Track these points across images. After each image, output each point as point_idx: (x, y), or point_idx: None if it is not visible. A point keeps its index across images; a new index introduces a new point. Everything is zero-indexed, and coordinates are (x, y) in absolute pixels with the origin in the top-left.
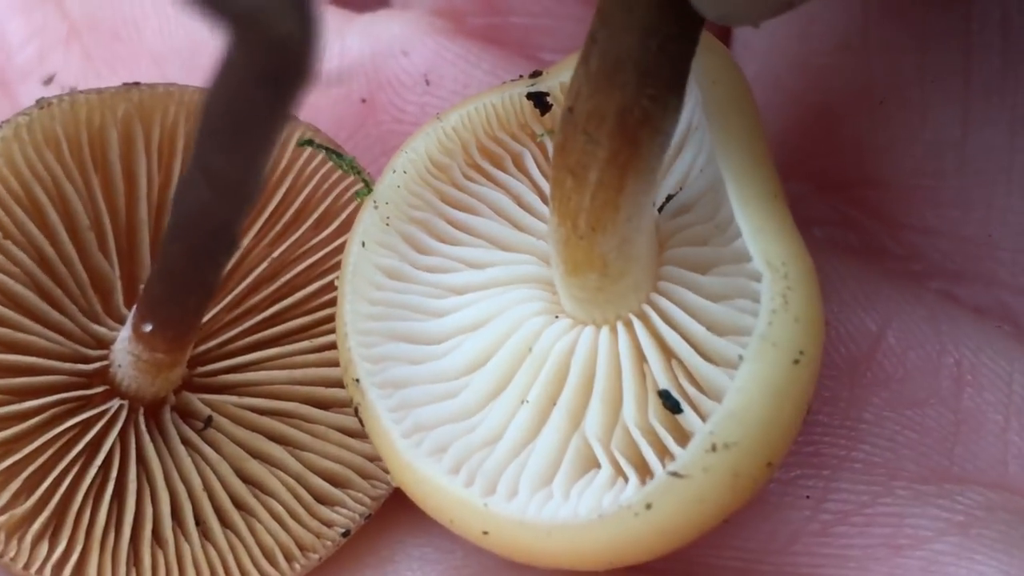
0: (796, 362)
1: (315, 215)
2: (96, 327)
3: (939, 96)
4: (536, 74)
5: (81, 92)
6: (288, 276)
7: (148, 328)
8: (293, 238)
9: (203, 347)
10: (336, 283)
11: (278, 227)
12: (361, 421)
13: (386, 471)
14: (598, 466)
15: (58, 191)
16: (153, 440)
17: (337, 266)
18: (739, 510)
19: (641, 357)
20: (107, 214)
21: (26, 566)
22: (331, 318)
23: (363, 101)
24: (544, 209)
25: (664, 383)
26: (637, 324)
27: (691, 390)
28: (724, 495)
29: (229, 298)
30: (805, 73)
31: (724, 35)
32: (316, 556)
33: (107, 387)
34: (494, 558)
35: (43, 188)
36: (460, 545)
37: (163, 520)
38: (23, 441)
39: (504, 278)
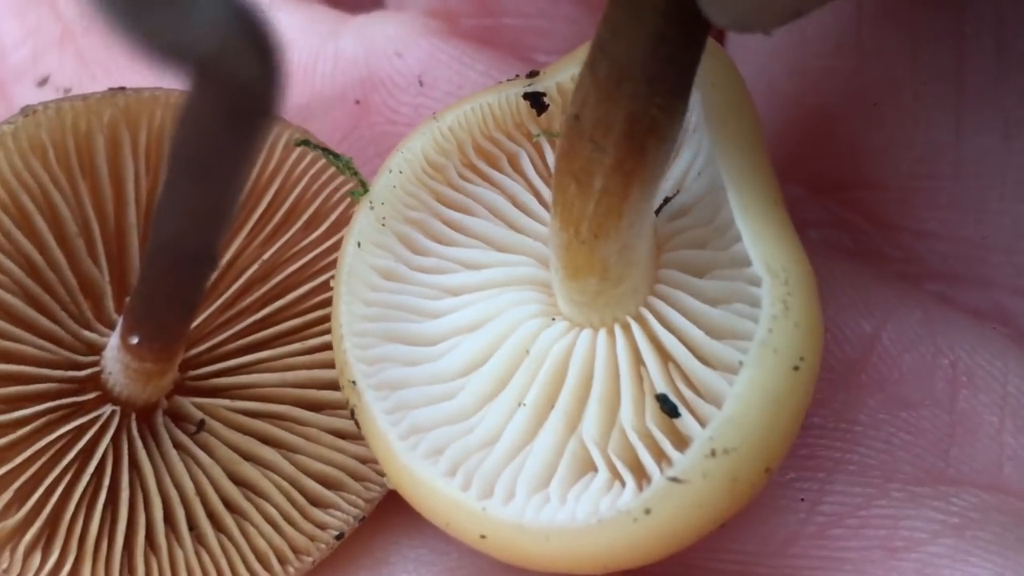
0: (796, 368)
1: (305, 215)
2: (87, 333)
3: (933, 99)
4: (533, 74)
5: (66, 99)
6: (280, 277)
7: (135, 341)
8: (284, 239)
9: (195, 350)
10: (331, 284)
11: (269, 228)
12: (357, 423)
13: (379, 473)
14: (594, 469)
15: (45, 198)
16: (146, 445)
17: (329, 267)
18: (736, 514)
19: (638, 360)
20: (95, 219)
21: None
22: (323, 320)
23: (357, 102)
24: (540, 210)
25: (661, 387)
26: (635, 327)
27: (688, 394)
28: (722, 500)
29: (221, 300)
30: (800, 76)
31: (718, 37)
32: (310, 559)
33: (99, 393)
34: (489, 559)
35: (30, 196)
36: (455, 546)
37: (156, 526)
38: (15, 450)
39: (500, 279)
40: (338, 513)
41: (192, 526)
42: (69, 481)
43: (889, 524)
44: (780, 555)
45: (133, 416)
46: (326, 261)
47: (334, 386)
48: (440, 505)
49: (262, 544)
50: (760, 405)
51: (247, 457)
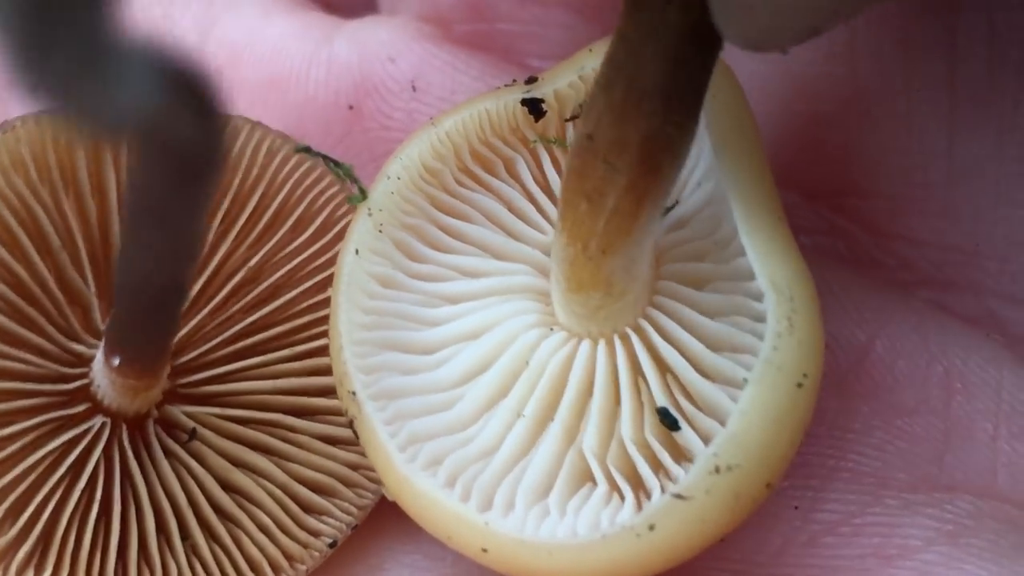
0: (799, 385)
1: (291, 219)
2: (75, 345)
3: (926, 106)
4: (532, 80)
5: (45, 111)
6: (268, 282)
7: (116, 362)
8: (271, 243)
9: (185, 357)
10: (329, 291)
11: (255, 233)
12: (356, 434)
13: (372, 480)
14: (592, 481)
15: (28, 213)
16: (137, 456)
17: (317, 271)
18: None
19: (637, 372)
20: (79, 231)
21: None
22: (312, 324)
23: (350, 108)
24: (537, 217)
25: (660, 399)
26: (633, 338)
27: (687, 406)
28: (724, 515)
29: (210, 306)
30: (792, 82)
31: None
32: (303, 567)
33: (89, 404)
34: (484, 567)
35: (12, 211)
36: (450, 552)
37: (149, 537)
38: (5, 466)
39: (498, 288)
40: (331, 520)
41: (185, 536)
42: (61, 495)
43: (883, 532)
44: (773, 563)
45: (124, 427)
46: (314, 265)
47: (324, 392)
48: (441, 518)
49: (255, 553)
50: (764, 422)
51: (239, 465)
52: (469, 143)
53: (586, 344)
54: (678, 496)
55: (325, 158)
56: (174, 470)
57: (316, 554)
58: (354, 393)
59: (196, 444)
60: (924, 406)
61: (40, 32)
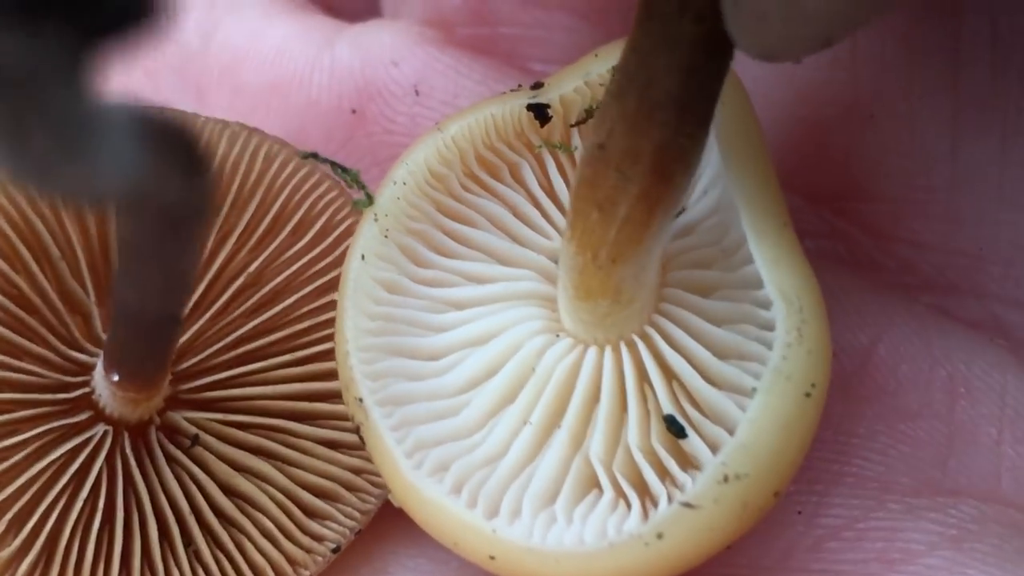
0: (808, 395)
1: (290, 224)
2: (76, 354)
3: (929, 109)
4: (538, 85)
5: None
6: (270, 286)
7: (115, 378)
8: (271, 247)
9: (187, 363)
10: (331, 296)
11: (255, 237)
12: (363, 440)
13: (375, 484)
14: (598, 487)
15: (27, 224)
16: (140, 463)
17: (316, 275)
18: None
19: (644, 379)
20: (78, 241)
21: None
22: (314, 329)
23: (353, 112)
24: (542, 222)
25: (667, 406)
26: (640, 345)
27: (693, 413)
28: (732, 524)
29: (212, 310)
30: (794, 87)
31: None
32: (307, 573)
33: (91, 413)
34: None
35: (10, 223)
36: (454, 556)
37: (152, 545)
38: (8, 477)
39: (504, 294)
40: (334, 525)
41: (188, 542)
42: (64, 505)
43: (886, 536)
44: (777, 568)
45: (126, 434)
46: (314, 269)
47: (326, 397)
48: (448, 525)
49: (259, 559)
50: (772, 431)
51: (241, 470)
52: (475, 148)
53: (592, 351)
54: (686, 505)
55: (333, 164)
56: (177, 476)
57: (320, 559)
58: (361, 400)
59: (198, 450)
60: (927, 410)
61: (14, 120)
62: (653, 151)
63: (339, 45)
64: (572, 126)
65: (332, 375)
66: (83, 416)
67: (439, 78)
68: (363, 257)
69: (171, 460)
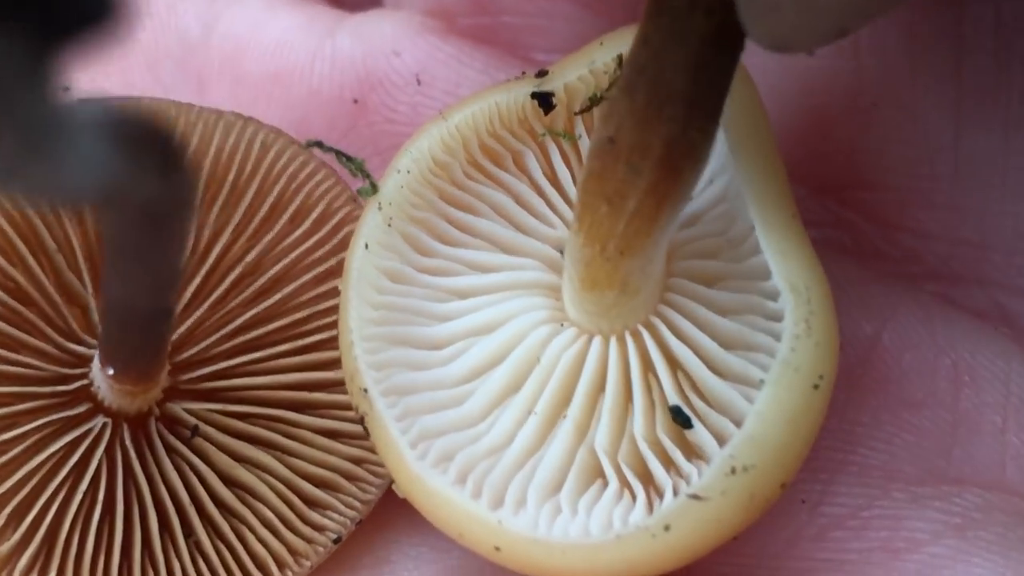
0: (815, 387)
1: (288, 212)
2: (74, 346)
3: (932, 98)
4: (542, 73)
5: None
6: (267, 276)
7: (111, 372)
8: (270, 235)
9: (187, 353)
10: (330, 285)
11: (253, 225)
12: (367, 431)
13: (375, 474)
14: (602, 477)
15: (23, 217)
16: (140, 455)
17: (315, 263)
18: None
19: (649, 369)
20: (74, 233)
21: None
22: (312, 318)
23: (355, 102)
24: (546, 211)
25: (672, 396)
26: (645, 335)
27: (699, 404)
28: (739, 515)
29: (211, 299)
30: (797, 76)
31: None
32: (308, 563)
33: (90, 405)
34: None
35: (6, 216)
36: (456, 544)
37: (153, 536)
38: (8, 470)
39: (508, 283)
40: (335, 515)
41: (189, 533)
42: (64, 497)
43: (891, 525)
44: (781, 557)
45: (125, 426)
46: (313, 257)
47: (326, 386)
48: (452, 516)
49: (260, 549)
50: (780, 423)
51: (241, 460)
52: (478, 136)
53: (597, 341)
54: (694, 497)
55: (338, 153)
56: (177, 467)
57: (321, 549)
58: (366, 390)
59: (199, 440)
60: (932, 399)
61: None
62: (662, 145)
63: (340, 35)
64: (576, 114)
65: (332, 364)
66: (82, 408)
67: (441, 68)
68: (367, 246)
69: (171, 451)
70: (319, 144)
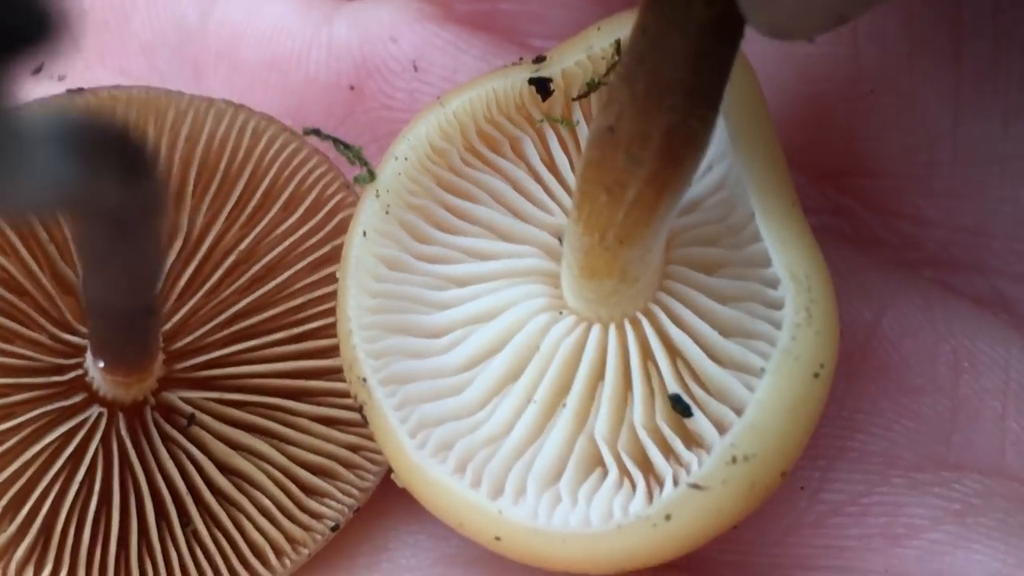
0: (816, 375)
1: (281, 199)
2: (69, 336)
3: (930, 85)
4: (540, 59)
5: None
6: (261, 263)
7: (101, 365)
8: (262, 223)
9: (182, 342)
10: (324, 272)
11: (246, 213)
12: (365, 419)
13: (373, 462)
14: (602, 465)
15: None
16: (136, 444)
17: (309, 251)
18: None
19: (648, 356)
20: (67, 222)
21: None
22: (307, 306)
23: (351, 88)
24: (544, 198)
25: (671, 383)
26: (644, 323)
27: (698, 391)
28: (739, 504)
29: (204, 289)
30: (795, 63)
31: None
32: (306, 550)
33: (85, 395)
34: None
35: None
36: (455, 532)
37: (150, 526)
38: (2, 462)
39: (506, 271)
40: (332, 503)
41: (186, 522)
42: (60, 488)
43: (890, 511)
44: (780, 544)
45: (121, 415)
46: (306, 244)
47: (322, 374)
48: (452, 505)
49: (257, 537)
50: (781, 412)
51: (238, 448)
52: (476, 122)
53: (596, 328)
54: (695, 486)
55: (335, 141)
56: (173, 456)
57: (319, 537)
58: (364, 379)
59: (195, 429)
60: (931, 385)
61: None
62: (663, 134)
63: (337, 21)
64: (574, 100)
65: (327, 352)
66: (77, 398)
67: (438, 54)
68: (364, 234)
69: (167, 440)
70: (316, 132)
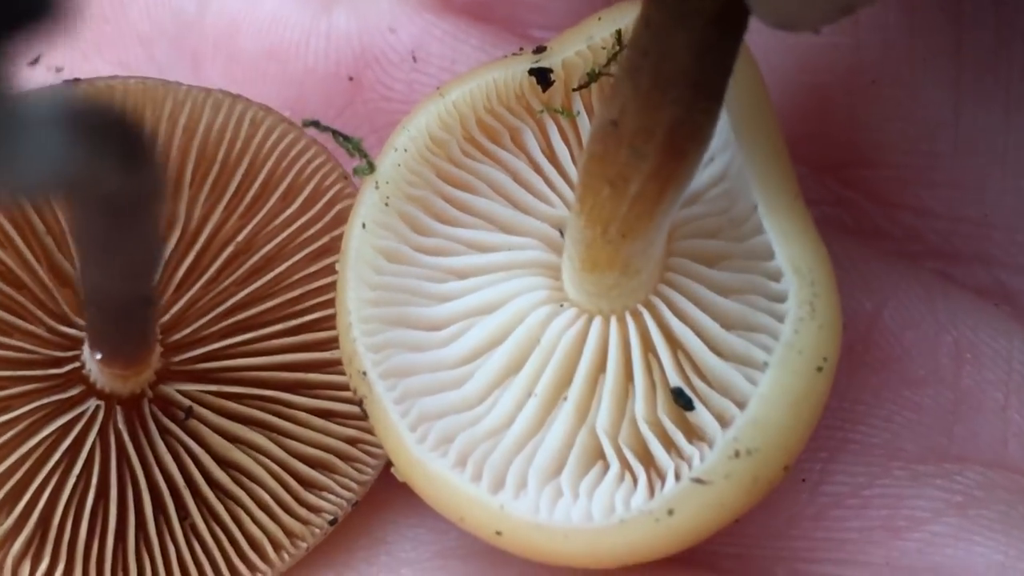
0: (819, 369)
1: (280, 190)
2: (66, 328)
3: (931, 75)
4: (540, 49)
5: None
6: (260, 253)
7: (99, 356)
8: (261, 214)
9: (180, 334)
10: (322, 263)
11: (244, 203)
12: (365, 413)
13: (372, 455)
14: (603, 459)
15: None
16: (133, 436)
17: (308, 241)
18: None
19: (649, 349)
20: (63, 214)
21: None
22: (305, 297)
23: (350, 79)
24: (545, 189)
25: (673, 376)
26: (645, 315)
27: (699, 384)
28: (742, 498)
29: (202, 280)
30: (796, 54)
31: None
32: (304, 544)
33: (83, 387)
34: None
35: None
36: (453, 524)
37: (147, 519)
38: (1, 454)
39: (507, 263)
40: (331, 496)
41: (184, 516)
42: (58, 481)
43: (892, 504)
44: (781, 536)
45: (118, 408)
46: (305, 235)
47: (320, 367)
48: (453, 500)
49: (255, 531)
50: (784, 406)
51: (236, 441)
52: (476, 113)
53: (598, 321)
54: (697, 480)
55: (335, 132)
56: (171, 449)
57: (317, 531)
58: (364, 372)
59: (193, 422)
60: (933, 376)
61: None
62: (667, 128)
63: (336, 11)
64: (575, 90)
65: (326, 344)
66: (75, 391)
67: (437, 44)
68: (364, 226)
69: (165, 433)
70: (315, 124)
